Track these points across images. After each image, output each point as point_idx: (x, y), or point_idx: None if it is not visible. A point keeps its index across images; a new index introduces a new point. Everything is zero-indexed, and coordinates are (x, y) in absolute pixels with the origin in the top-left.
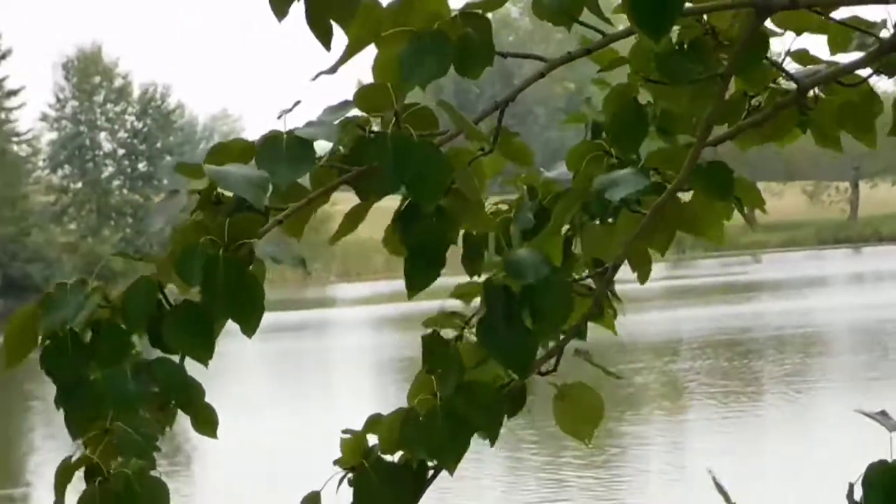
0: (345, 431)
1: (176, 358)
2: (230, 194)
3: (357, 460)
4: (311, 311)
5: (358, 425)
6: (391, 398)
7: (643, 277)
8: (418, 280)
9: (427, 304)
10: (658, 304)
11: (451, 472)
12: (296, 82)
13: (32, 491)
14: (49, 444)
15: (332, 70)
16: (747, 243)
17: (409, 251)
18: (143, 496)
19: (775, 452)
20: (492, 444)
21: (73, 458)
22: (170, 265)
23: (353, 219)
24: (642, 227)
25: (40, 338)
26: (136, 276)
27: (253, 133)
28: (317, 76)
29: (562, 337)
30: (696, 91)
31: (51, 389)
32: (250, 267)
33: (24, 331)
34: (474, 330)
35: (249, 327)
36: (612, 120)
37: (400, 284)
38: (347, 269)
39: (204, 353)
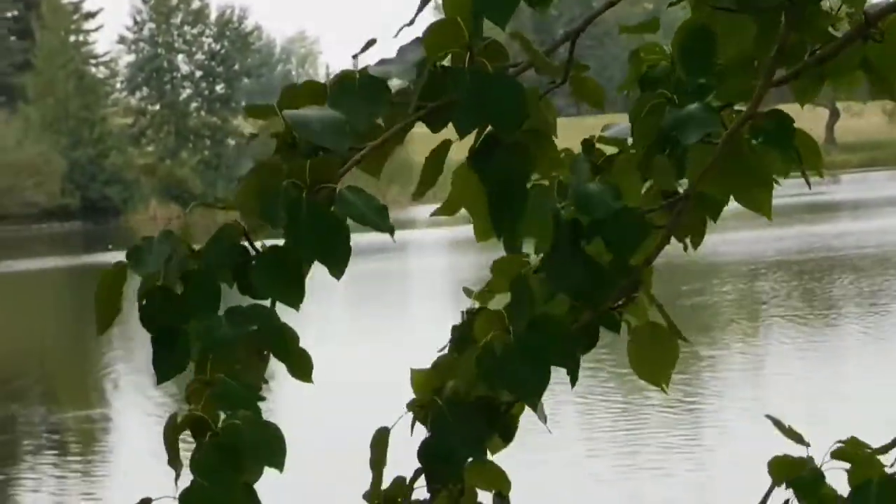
0: (414, 370)
1: (267, 303)
2: None
3: (429, 398)
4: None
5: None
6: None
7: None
8: (502, 217)
9: None
10: (737, 225)
11: (534, 407)
12: (371, 4)
13: (110, 412)
14: (125, 366)
15: (411, 22)
16: (827, 163)
17: (489, 188)
18: (260, 444)
19: (856, 375)
20: (573, 382)
21: (178, 416)
22: (252, 210)
23: (435, 163)
24: (714, 160)
25: (137, 292)
26: (214, 198)
27: (331, 55)
28: (399, 31)
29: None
30: (762, 25)
31: (128, 314)
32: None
33: (111, 292)
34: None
35: (337, 269)
36: (683, 43)
37: None
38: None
39: (294, 298)
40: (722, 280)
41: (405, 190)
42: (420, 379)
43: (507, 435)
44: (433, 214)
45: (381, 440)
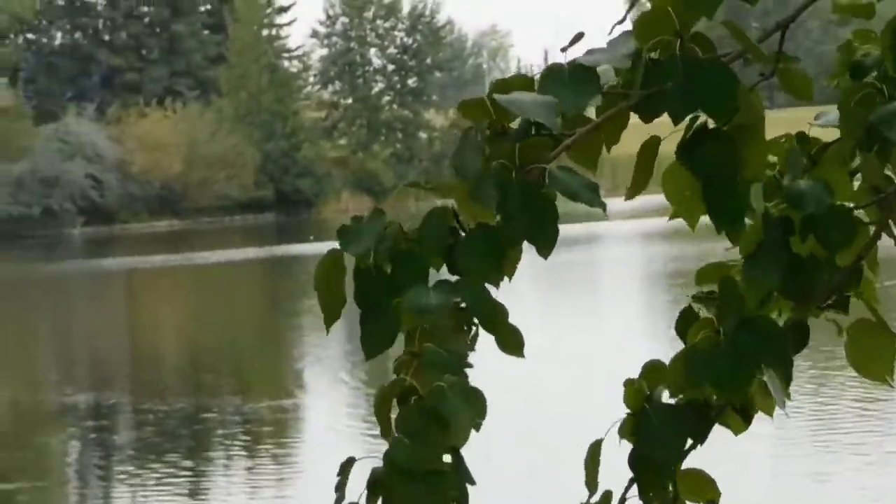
0: (627, 381)
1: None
2: (515, 125)
3: (638, 406)
4: (580, 224)
5: (626, 344)
6: (660, 314)
7: None
8: (721, 209)
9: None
10: None
11: (737, 404)
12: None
13: (303, 401)
14: (318, 355)
15: (623, 19)
16: None
17: (704, 180)
18: (459, 404)
19: None
20: (787, 384)
21: (388, 384)
22: (463, 192)
23: (645, 163)
24: None
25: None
26: (403, 189)
27: (522, 49)
28: (612, 28)
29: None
30: None
31: (316, 305)
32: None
33: (331, 281)
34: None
35: (545, 248)
36: (894, 37)
37: None
38: (617, 184)
39: (495, 276)
40: None
41: (597, 182)
42: (631, 390)
43: (746, 417)
44: (627, 197)
45: (594, 454)
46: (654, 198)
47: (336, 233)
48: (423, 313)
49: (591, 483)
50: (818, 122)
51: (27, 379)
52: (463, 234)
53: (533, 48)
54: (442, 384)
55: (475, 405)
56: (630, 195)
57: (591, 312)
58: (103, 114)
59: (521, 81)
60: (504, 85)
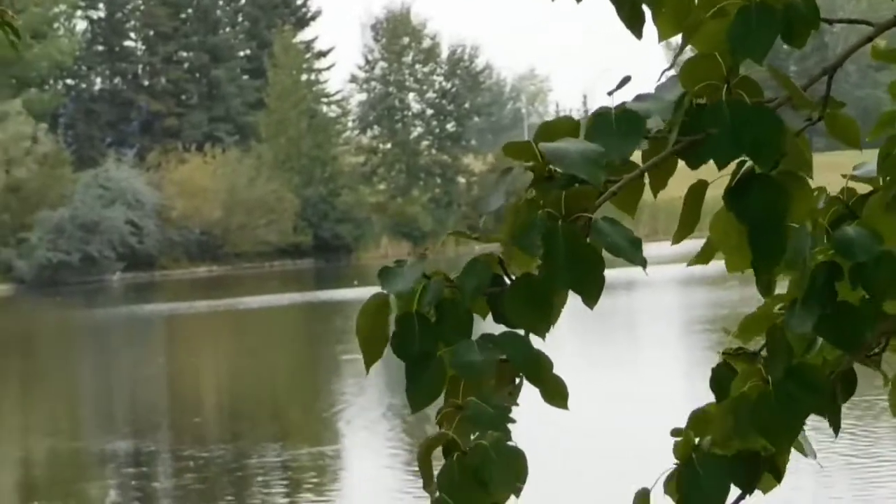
0: (674, 431)
1: (521, 331)
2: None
3: (686, 456)
4: (618, 269)
5: (666, 391)
6: (698, 360)
7: None
8: (767, 256)
9: None
10: None
11: (784, 452)
12: (600, 44)
13: (342, 448)
14: (356, 402)
15: (671, 66)
16: None
17: (750, 225)
18: (500, 464)
19: None
20: (836, 431)
21: (431, 437)
22: (508, 240)
23: (693, 206)
24: None
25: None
26: (444, 235)
27: (560, 93)
28: (662, 74)
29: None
30: None
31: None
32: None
33: (375, 324)
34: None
35: (591, 297)
36: None
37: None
38: (655, 229)
39: (542, 326)
40: None
41: (635, 227)
42: (681, 441)
43: (777, 475)
44: (690, 264)
45: (642, 502)
46: (697, 242)
47: (377, 274)
48: (470, 372)
49: None
50: (857, 172)
51: (67, 426)
52: (508, 282)
53: (571, 93)
54: (484, 443)
55: (516, 468)
56: (677, 239)
57: (629, 359)
58: (143, 159)
59: (567, 125)
60: (549, 128)
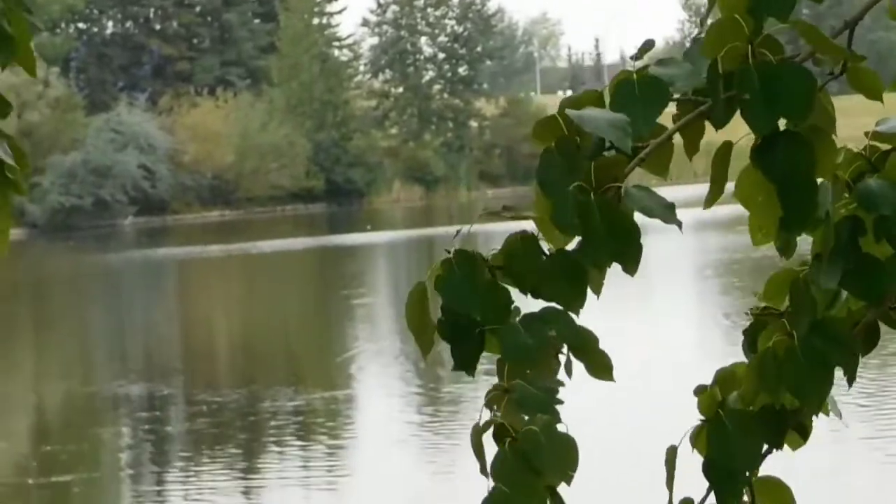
0: (699, 388)
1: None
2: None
3: (712, 412)
4: None
5: (673, 333)
6: (709, 306)
7: None
8: (797, 212)
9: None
10: None
11: (816, 412)
12: None
13: (354, 393)
14: (369, 346)
15: (699, 33)
16: None
17: (779, 184)
18: (551, 450)
19: None
20: (850, 383)
21: (481, 422)
22: (544, 216)
23: (721, 169)
24: None
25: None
26: (456, 182)
27: (573, 37)
28: (694, 39)
29: None
30: None
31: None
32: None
33: (422, 313)
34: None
35: (631, 266)
36: None
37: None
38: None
39: (577, 303)
40: None
41: (646, 172)
42: (705, 397)
43: (803, 433)
44: (706, 206)
45: (671, 460)
46: (707, 187)
47: (434, 286)
48: (525, 356)
49: (670, 486)
50: (881, 128)
51: (80, 370)
52: (544, 258)
53: (584, 36)
54: (534, 428)
55: (567, 455)
56: (708, 204)
57: (641, 303)
58: (155, 103)
59: (591, 97)
60: (573, 101)
